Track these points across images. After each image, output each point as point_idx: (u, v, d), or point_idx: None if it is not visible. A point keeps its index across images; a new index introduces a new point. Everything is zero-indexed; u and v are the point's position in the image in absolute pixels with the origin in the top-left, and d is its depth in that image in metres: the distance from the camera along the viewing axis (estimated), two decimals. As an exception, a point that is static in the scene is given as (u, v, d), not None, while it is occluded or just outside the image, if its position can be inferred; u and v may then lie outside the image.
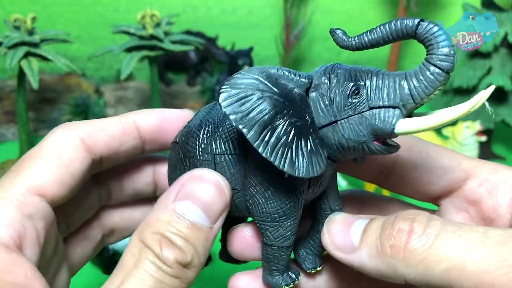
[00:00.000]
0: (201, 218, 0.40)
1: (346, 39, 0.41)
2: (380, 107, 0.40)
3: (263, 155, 0.38)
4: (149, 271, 0.37)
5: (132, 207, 0.60)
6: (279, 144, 0.39)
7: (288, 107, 0.40)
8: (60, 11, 1.81)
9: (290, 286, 0.47)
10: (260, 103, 0.39)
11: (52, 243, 0.45)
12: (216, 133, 0.44)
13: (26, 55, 1.25)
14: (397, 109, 0.40)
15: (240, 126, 0.38)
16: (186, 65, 1.82)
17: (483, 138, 1.36)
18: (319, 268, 0.51)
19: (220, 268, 1.14)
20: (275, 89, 0.41)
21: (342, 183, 1.49)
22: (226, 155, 0.44)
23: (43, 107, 1.65)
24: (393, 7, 1.87)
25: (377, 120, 0.40)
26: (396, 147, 0.42)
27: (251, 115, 0.39)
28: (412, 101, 0.39)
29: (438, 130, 1.46)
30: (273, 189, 0.43)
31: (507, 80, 1.46)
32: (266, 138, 0.39)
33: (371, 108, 0.40)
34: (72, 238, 0.53)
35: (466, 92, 1.56)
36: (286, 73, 0.43)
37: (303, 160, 0.40)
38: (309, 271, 0.51)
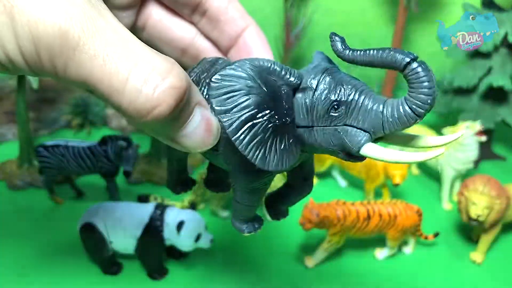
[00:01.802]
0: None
1: (342, 49, 0.42)
2: (353, 126, 0.42)
3: (239, 148, 0.42)
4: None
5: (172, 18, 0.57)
6: (255, 141, 0.42)
7: (271, 107, 0.43)
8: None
9: (251, 233, 0.52)
10: (245, 100, 0.42)
11: None
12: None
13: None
14: (367, 133, 0.42)
15: (223, 119, 0.42)
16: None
17: (483, 138, 1.36)
18: (284, 218, 0.57)
19: (221, 268, 1.14)
20: (263, 87, 0.43)
21: (342, 183, 1.49)
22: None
23: (43, 107, 1.65)
24: (393, 7, 1.87)
25: (347, 138, 0.42)
26: (361, 159, 0.44)
27: (234, 110, 0.42)
28: (382, 131, 0.41)
29: (438, 130, 1.46)
30: (247, 163, 0.45)
31: (507, 80, 1.46)
32: (243, 135, 0.42)
33: (345, 125, 0.43)
34: None
35: (466, 92, 1.56)
36: (278, 69, 0.44)
37: (274, 156, 0.43)
38: (275, 219, 0.56)
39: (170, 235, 1.03)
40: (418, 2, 1.70)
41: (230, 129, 0.41)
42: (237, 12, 0.54)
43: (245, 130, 0.42)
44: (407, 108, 0.39)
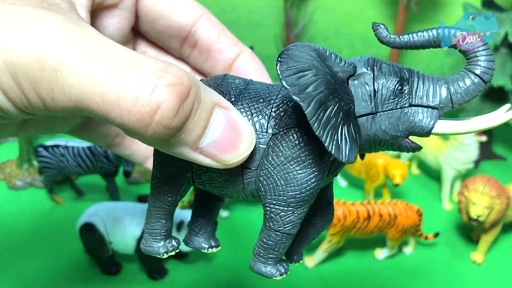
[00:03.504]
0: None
1: (388, 35, 0.42)
2: (421, 105, 0.41)
3: (316, 132, 0.38)
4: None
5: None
6: (330, 125, 0.38)
7: (338, 90, 0.40)
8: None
9: (283, 276, 0.46)
10: (316, 80, 0.39)
11: None
12: (251, 108, 0.43)
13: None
14: (435, 110, 0.41)
15: (298, 99, 0.37)
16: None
17: (484, 138, 1.36)
18: (301, 261, 0.52)
19: (221, 268, 1.14)
20: (326, 69, 0.41)
21: (342, 183, 1.49)
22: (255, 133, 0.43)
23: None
24: (393, 7, 1.87)
25: (416, 118, 0.41)
26: (420, 147, 0.43)
27: (308, 89, 0.38)
28: (451, 105, 0.41)
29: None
30: (297, 172, 0.42)
31: (507, 80, 1.46)
32: (320, 116, 0.38)
33: (411, 106, 0.41)
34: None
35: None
36: (333, 56, 0.42)
37: (345, 145, 0.40)
38: (294, 263, 0.51)
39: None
40: (418, 2, 1.69)
41: (309, 109, 0.37)
42: (229, 40, 0.51)
43: (321, 111, 0.38)
44: (473, 77, 0.40)
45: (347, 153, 0.39)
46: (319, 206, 0.49)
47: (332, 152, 0.38)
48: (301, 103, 0.37)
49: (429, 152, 1.45)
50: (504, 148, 1.73)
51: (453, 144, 1.36)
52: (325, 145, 0.38)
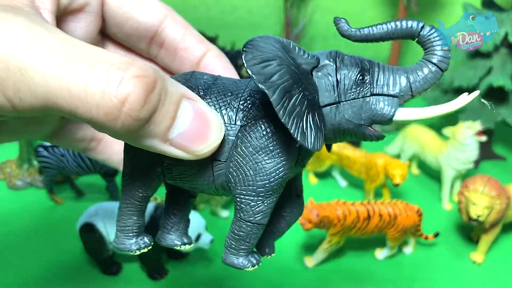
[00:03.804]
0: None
1: (349, 29, 0.43)
2: (381, 94, 0.43)
3: (282, 119, 0.39)
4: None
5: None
6: (295, 113, 0.40)
7: (302, 80, 0.42)
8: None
9: (255, 267, 0.47)
10: (280, 70, 0.40)
11: None
12: (219, 101, 0.44)
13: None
14: (396, 98, 0.43)
15: (264, 87, 0.38)
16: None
17: (483, 138, 1.36)
18: (273, 254, 0.52)
19: (221, 268, 1.14)
20: (290, 60, 0.42)
21: (342, 183, 1.49)
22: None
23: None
24: (393, 7, 1.87)
25: (378, 106, 0.43)
26: (383, 136, 0.44)
27: (273, 78, 0.39)
28: (410, 93, 0.42)
29: (438, 131, 1.46)
30: (265, 162, 0.42)
31: (507, 80, 1.46)
32: (285, 104, 0.39)
33: (372, 95, 0.43)
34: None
35: (466, 92, 1.56)
36: (297, 48, 0.44)
37: (311, 133, 0.41)
38: (266, 256, 0.51)
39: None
40: (417, 2, 1.70)
41: (274, 96, 0.38)
42: (195, 38, 0.52)
43: (286, 99, 0.39)
44: (431, 66, 0.42)
45: (312, 140, 0.41)
46: (288, 198, 0.50)
47: (298, 139, 0.40)
48: (266, 91, 0.38)
49: (429, 152, 1.45)
50: (504, 148, 1.73)
51: (453, 144, 1.36)
52: (291, 131, 0.39)
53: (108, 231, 1.04)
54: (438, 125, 1.52)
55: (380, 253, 1.19)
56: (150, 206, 1.06)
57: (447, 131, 1.38)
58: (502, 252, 1.24)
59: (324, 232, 1.14)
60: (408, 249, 1.22)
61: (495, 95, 1.52)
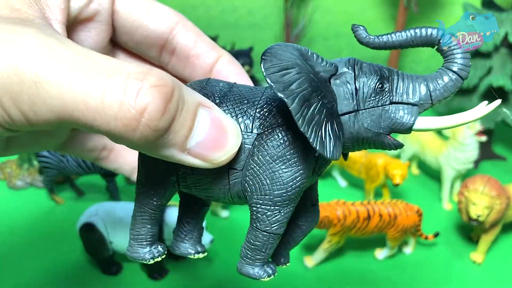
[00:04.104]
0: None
1: (367, 36, 0.43)
2: (401, 103, 0.42)
3: (301, 128, 0.38)
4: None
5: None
6: (314, 121, 0.39)
7: (320, 88, 0.41)
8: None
9: (271, 278, 0.47)
10: (299, 78, 0.39)
11: None
12: (235, 109, 0.44)
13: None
14: (415, 106, 0.42)
15: (283, 95, 0.38)
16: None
17: (483, 138, 1.36)
18: (288, 264, 0.52)
19: (221, 268, 1.14)
20: (309, 68, 0.41)
21: (342, 183, 1.49)
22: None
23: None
24: (393, 7, 1.87)
25: (397, 115, 0.42)
26: (402, 145, 0.44)
27: (292, 87, 0.39)
28: (430, 101, 0.42)
29: (438, 130, 1.46)
30: (282, 171, 0.42)
31: (507, 80, 1.46)
32: (305, 112, 0.39)
33: (392, 103, 0.42)
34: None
35: (467, 92, 1.56)
36: (315, 56, 0.43)
37: (330, 141, 0.40)
38: (281, 265, 0.51)
39: (170, 235, 1.03)
40: (418, 2, 1.70)
41: (293, 105, 0.38)
42: (207, 45, 0.51)
43: (305, 108, 0.38)
44: (451, 74, 0.41)
45: (331, 149, 0.40)
46: (304, 207, 0.50)
47: (317, 148, 0.39)
48: (285, 100, 0.38)
49: (429, 152, 1.45)
50: (504, 148, 1.73)
51: (453, 144, 1.37)
52: (310, 141, 0.39)
53: (108, 231, 1.04)
54: (438, 125, 1.52)
55: (380, 253, 1.19)
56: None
57: (447, 131, 1.38)
58: (502, 252, 1.24)
59: (324, 232, 1.14)
60: (408, 249, 1.22)
61: (495, 95, 1.53)
